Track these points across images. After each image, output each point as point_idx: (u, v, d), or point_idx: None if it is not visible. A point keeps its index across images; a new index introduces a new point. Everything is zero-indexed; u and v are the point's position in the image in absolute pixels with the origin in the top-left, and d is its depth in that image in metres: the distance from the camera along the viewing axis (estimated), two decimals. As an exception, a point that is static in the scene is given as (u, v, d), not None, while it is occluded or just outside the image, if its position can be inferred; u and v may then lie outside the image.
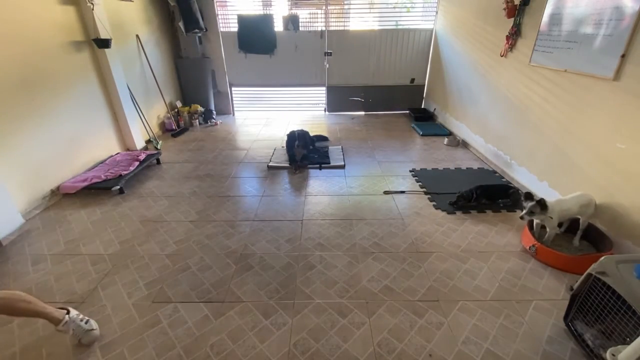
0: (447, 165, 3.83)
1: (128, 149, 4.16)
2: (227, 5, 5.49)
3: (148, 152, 3.86)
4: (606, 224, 2.34)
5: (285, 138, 4.05)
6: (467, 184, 3.03)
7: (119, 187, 3.13)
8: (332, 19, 5.49)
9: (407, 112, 5.90)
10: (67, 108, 3.25)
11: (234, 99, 6.10)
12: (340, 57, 5.66)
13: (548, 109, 2.88)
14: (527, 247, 2.34)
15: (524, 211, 2.23)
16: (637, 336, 1.30)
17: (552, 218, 2.22)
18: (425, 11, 5.49)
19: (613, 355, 1.35)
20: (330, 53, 5.60)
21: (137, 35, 4.42)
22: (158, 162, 3.90)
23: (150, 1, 4.78)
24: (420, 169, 3.73)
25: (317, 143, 4.37)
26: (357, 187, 3.35)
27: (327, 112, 6.13)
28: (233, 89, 6.01)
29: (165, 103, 5.05)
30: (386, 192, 3.22)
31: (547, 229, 2.31)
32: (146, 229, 2.67)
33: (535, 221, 2.37)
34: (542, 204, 2.18)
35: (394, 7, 5.50)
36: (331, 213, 2.89)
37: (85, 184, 3.11)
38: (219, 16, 5.41)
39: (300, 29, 5.45)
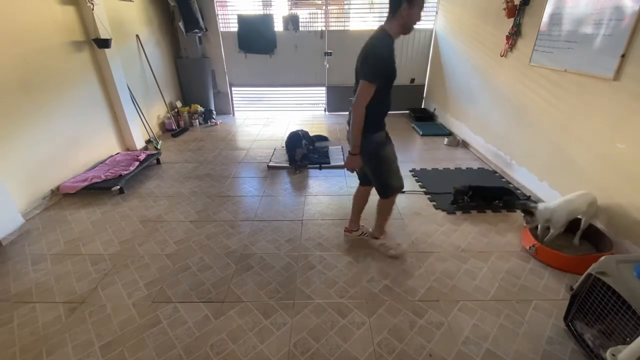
0: (447, 165, 3.83)
1: (128, 149, 4.16)
2: (227, 5, 5.48)
3: (148, 152, 3.86)
4: (606, 224, 2.34)
5: (286, 138, 4.05)
6: (467, 184, 3.03)
7: (119, 187, 3.13)
8: (332, 19, 5.48)
9: (407, 112, 5.90)
10: (67, 108, 3.25)
11: (234, 99, 6.10)
12: (340, 57, 5.65)
13: (548, 109, 2.88)
14: (527, 247, 2.34)
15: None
16: (637, 336, 1.30)
17: (549, 220, 2.28)
18: (425, 11, 5.46)
19: (613, 355, 1.35)
20: (330, 53, 5.60)
21: (137, 35, 4.42)
22: (158, 162, 3.90)
23: (150, 1, 4.78)
24: (420, 169, 3.73)
25: (317, 143, 4.37)
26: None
27: (327, 112, 6.13)
28: (233, 89, 6.01)
29: (165, 103, 5.05)
30: (386, 192, 3.21)
31: (551, 229, 2.31)
32: (146, 229, 2.67)
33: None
34: (526, 211, 2.35)
35: (394, 7, 5.49)
36: (331, 213, 2.88)
37: (85, 184, 3.11)
38: (219, 16, 5.41)
39: (300, 29, 5.44)
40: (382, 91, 1.84)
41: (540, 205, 2.32)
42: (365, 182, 2.31)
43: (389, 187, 2.13)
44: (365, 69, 1.79)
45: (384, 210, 2.27)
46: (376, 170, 2.08)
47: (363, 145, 1.93)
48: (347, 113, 2.05)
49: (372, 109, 1.84)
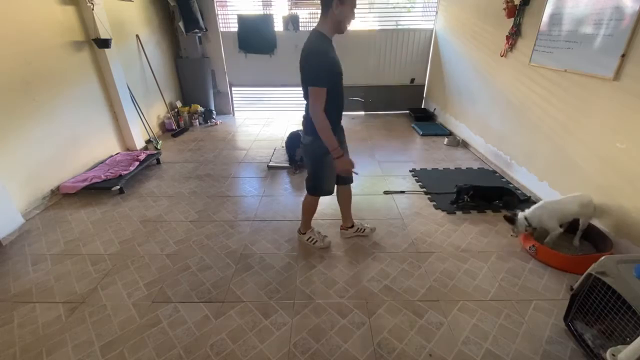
0: (447, 165, 3.83)
1: (128, 149, 4.16)
2: (227, 5, 5.48)
3: (148, 152, 3.86)
4: (606, 224, 2.34)
5: (286, 138, 4.05)
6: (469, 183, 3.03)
7: (119, 187, 3.13)
8: (332, 19, 5.48)
9: (407, 112, 5.90)
10: (67, 108, 3.26)
11: (234, 99, 6.10)
12: (340, 57, 5.60)
13: (548, 109, 2.88)
14: (527, 247, 2.34)
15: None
16: (637, 336, 1.30)
17: (529, 225, 2.28)
18: (425, 11, 5.48)
19: (613, 355, 1.35)
20: (330, 53, 5.59)
21: (137, 35, 4.42)
22: (158, 162, 3.90)
23: (150, 1, 4.78)
24: (420, 169, 3.73)
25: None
26: (357, 187, 3.34)
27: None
28: (233, 89, 6.01)
29: (165, 103, 5.05)
30: (386, 192, 3.22)
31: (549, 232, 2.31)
32: (146, 229, 2.67)
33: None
34: (508, 218, 2.37)
35: (394, 7, 5.50)
36: (331, 213, 2.88)
37: (85, 184, 3.11)
38: (219, 16, 5.41)
39: (300, 29, 5.44)
40: (331, 92, 1.81)
41: (520, 214, 2.33)
42: (340, 181, 2.34)
43: (321, 188, 2.22)
44: (309, 74, 1.80)
45: (309, 208, 2.36)
46: (316, 171, 2.15)
47: (314, 147, 1.99)
48: (302, 118, 2.10)
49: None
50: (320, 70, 1.78)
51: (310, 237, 2.43)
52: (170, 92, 5.37)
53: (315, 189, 2.24)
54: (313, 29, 1.87)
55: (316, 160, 2.09)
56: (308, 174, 2.22)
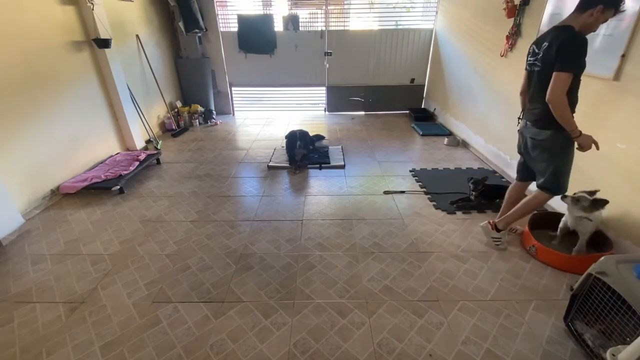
0: (447, 165, 3.83)
1: (128, 149, 4.16)
2: (227, 5, 5.48)
3: (148, 152, 3.86)
4: (606, 224, 2.34)
5: (285, 138, 4.04)
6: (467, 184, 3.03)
7: (119, 187, 3.13)
8: (332, 19, 5.48)
9: (407, 112, 5.89)
10: (67, 108, 3.26)
11: (234, 99, 6.10)
12: (340, 57, 5.66)
13: (548, 109, 2.88)
14: (527, 247, 2.34)
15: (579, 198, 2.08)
16: (637, 336, 1.30)
17: (591, 220, 2.10)
18: (425, 11, 5.48)
19: (613, 355, 1.35)
20: (330, 53, 5.60)
21: (137, 35, 4.42)
22: (158, 162, 3.90)
23: (150, 1, 4.78)
24: (420, 169, 3.73)
25: (316, 143, 4.37)
26: (357, 187, 3.35)
27: (327, 112, 6.13)
28: (233, 89, 6.01)
29: (165, 103, 5.05)
30: (386, 192, 3.22)
31: (580, 235, 2.17)
32: (146, 229, 2.67)
33: (560, 225, 2.28)
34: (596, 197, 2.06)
35: (394, 7, 5.50)
36: (331, 213, 2.88)
37: (85, 184, 3.11)
38: (219, 16, 5.41)
39: (300, 29, 5.45)
40: (576, 83, 1.85)
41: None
42: (525, 177, 2.29)
43: (562, 185, 2.09)
44: (564, 57, 1.78)
45: (529, 206, 2.21)
46: (562, 166, 2.05)
47: (555, 140, 1.97)
48: (527, 110, 2.11)
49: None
50: (577, 57, 1.79)
51: (499, 238, 2.36)
52: (170, 92, 5.37)
53: (562, 186, 2.08)
54: (561, 25, 1.89)
55: (561, 154, 2.01)
56: (547, 172, 2.06)
